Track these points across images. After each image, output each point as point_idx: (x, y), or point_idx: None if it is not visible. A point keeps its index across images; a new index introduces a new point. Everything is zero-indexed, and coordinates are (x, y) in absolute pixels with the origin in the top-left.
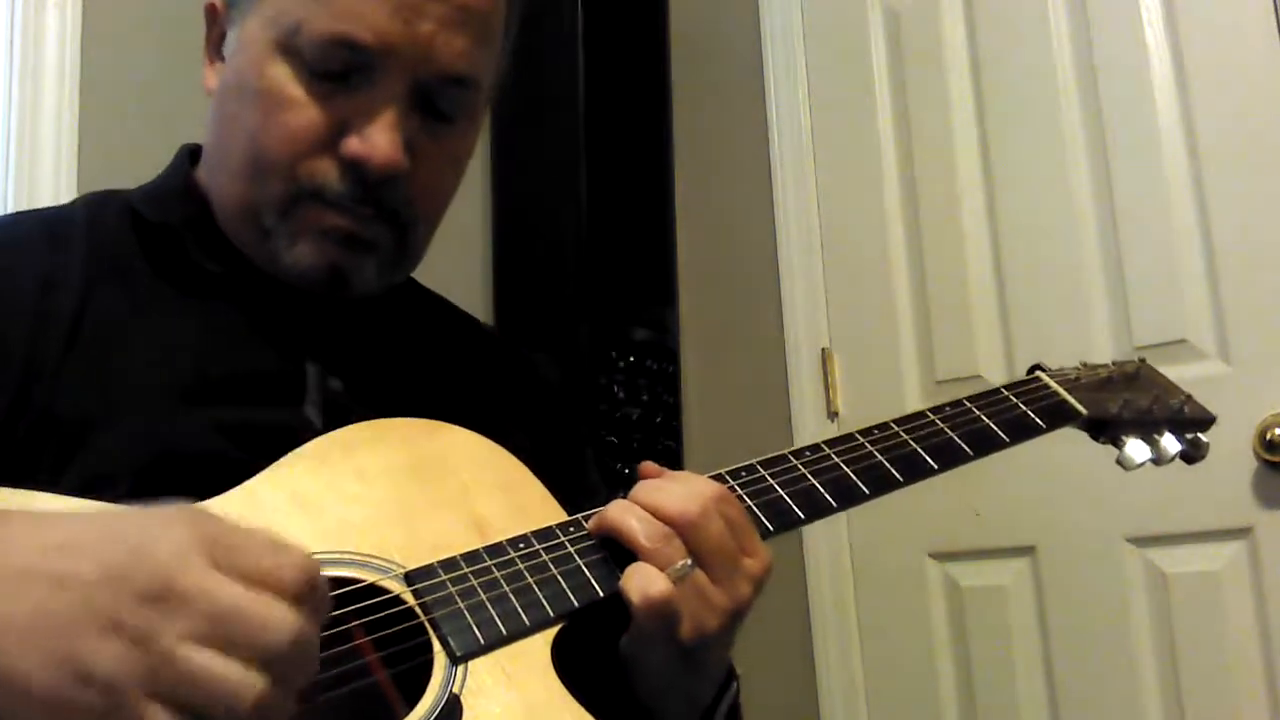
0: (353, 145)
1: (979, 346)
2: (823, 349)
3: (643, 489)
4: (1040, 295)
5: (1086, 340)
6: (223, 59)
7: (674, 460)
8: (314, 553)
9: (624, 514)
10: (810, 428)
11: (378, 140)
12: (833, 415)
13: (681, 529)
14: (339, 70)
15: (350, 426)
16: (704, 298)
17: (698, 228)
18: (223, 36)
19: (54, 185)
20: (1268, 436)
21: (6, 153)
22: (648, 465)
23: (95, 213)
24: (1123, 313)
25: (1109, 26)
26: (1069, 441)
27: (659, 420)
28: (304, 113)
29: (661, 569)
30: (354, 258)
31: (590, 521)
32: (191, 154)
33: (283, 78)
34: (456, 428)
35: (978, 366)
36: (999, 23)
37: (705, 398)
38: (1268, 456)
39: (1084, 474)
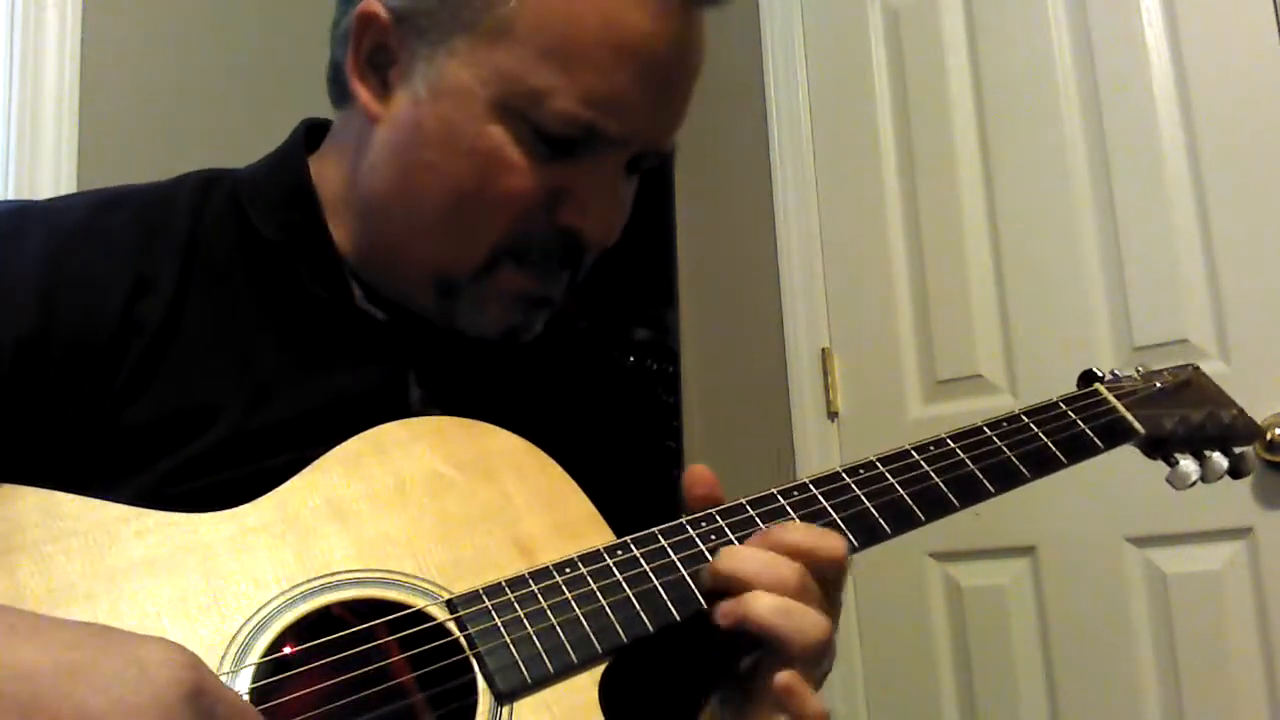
0: (575, 218)
1: (979, 346)
2: (823, 349)
3: (785, 537)
4: (1040, 295)
5: (1086, 340)
6: (382, 78)
7: (674, 460)
8: (355, 570)
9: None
10: (810, 428)
11: (605, 218)
12: (833, 415)
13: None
14: (567, 140)
15: (385, 426)
16: (704, 298)
17: (698, 228)
18: (378, 48)
19: (54, 185)
20: (1268, 436)
21: (6, 153)
22: (701, 470)
23: (199, 202)
24: (1123, 313)
25: (1109, 26)
26: None
27: (659, 420)
28: (525, 179)
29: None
30: (532, 317)
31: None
32: (307, 130)
33: (503, 140)
34: (494, 427)
35: (978, 366)
36: (999, 23)
37: (705, 398)
38: (1268, 456)
39: (1084, 474)
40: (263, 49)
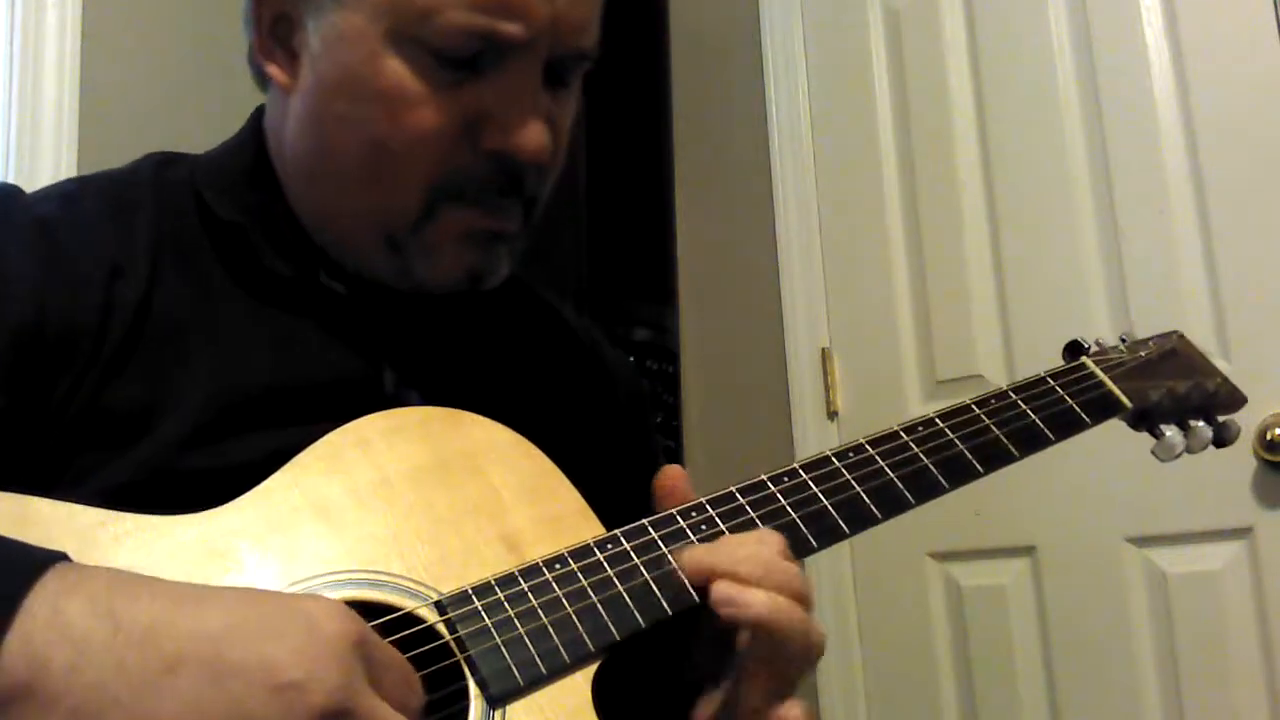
0: (499, 139)
1: (979, 346)
2: (823, 349)
3: (730, 555)
4: (1040, 294)
5: (1086, 340)
6: (288, 49)
7: (674, 460)
8: (342, 571)
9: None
10: (810, 428)
11: (526, 130)
12: (833, 415)
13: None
14: (469, 57)
15: (366, 418)
16: (704, 298)
17: (698, 228)
18: (278, 20)
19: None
20: (1268, 436)
21: (6, 153)
22: (674, 469)
23: (161, 184)
24: (1123, 312)
25: (1109, 26)
26: (1070, 440)
27: (659, 420)
28: (435, 111)
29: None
30: (491, 255)
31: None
32: (261, 114)
33: (403, 72)
34: (480, 418)
35: (978, 366)
36: (999, 22)
37: (705, 398)
38: (1268, 456)
39: (1084, 474)
40: None
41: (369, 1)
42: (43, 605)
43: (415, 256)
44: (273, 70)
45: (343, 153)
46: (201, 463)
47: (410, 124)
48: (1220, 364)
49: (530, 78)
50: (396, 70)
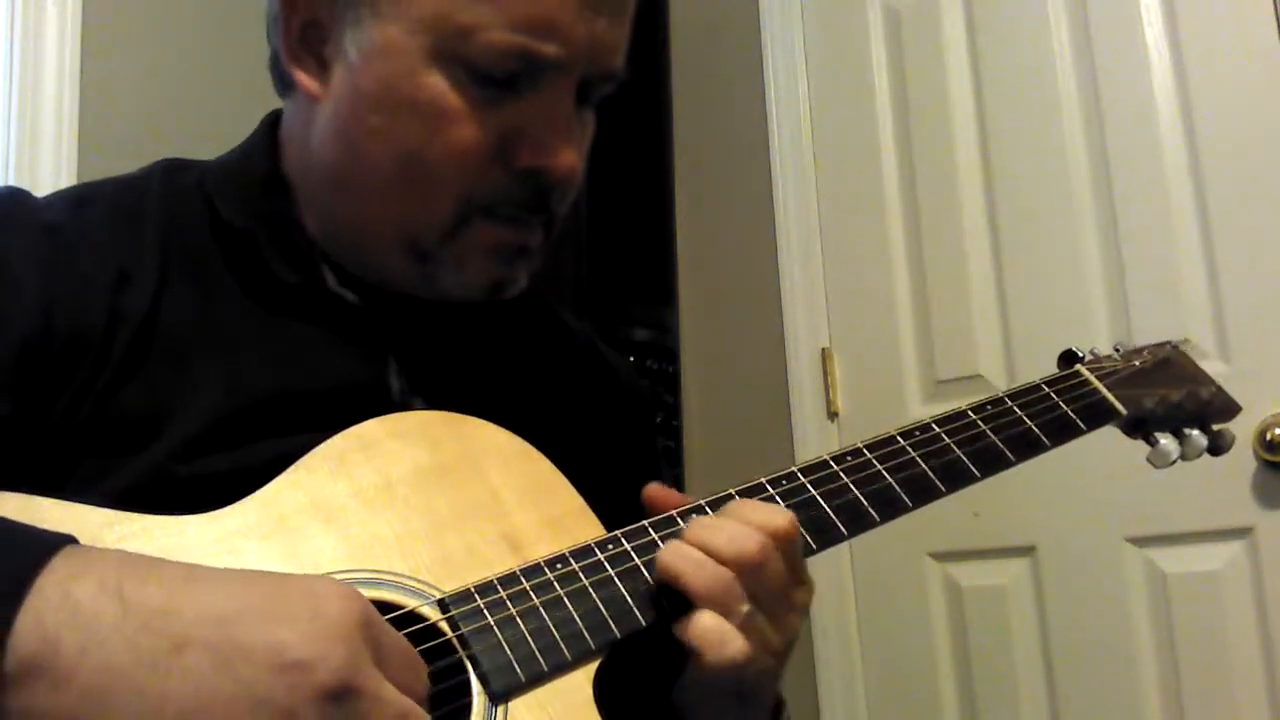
0: (533, 158)
1: (979, 346)
2: (823, 349)
3: (697, 529)
4: (1040, 295)
5: (1086, 341)
6: (317, 56)
7: (674, 460)
8: (346, 571)
9: (675, 559)
10: (810, 427)
11: (560, 152)
12: (833, 415)
13: (741, 573)
14: (507, 76)
15: (368, 422)
16: (704, 298)
17: (698, 228)
18: (308, 27)
19: (54, 185)
20: (1268, 436)
21: (6, 152)
22: (654, 488)
23: (170, 191)
24: (1123, 313)
25: (1109, 26)
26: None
27: (659, 420)
28: (471, 127)
29: (723, 615)
30: (514, 268)
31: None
32: (274, 123)
33: (442, 88)
34: (479, 421)
35: (978, 366)
36: (999, 22)
37: (705, 397)
38: (1268, 456)
39: (1084, 474)
40: (263, 49)
41: (409, 15)
42: (53, 586)
43: (442, 267)
44: (301, 78)
45: (375, 164)
46: (207, 468)
47: (447, 140)
48: (1219, 365)
49: (565, 99)
50: (436, 86)
